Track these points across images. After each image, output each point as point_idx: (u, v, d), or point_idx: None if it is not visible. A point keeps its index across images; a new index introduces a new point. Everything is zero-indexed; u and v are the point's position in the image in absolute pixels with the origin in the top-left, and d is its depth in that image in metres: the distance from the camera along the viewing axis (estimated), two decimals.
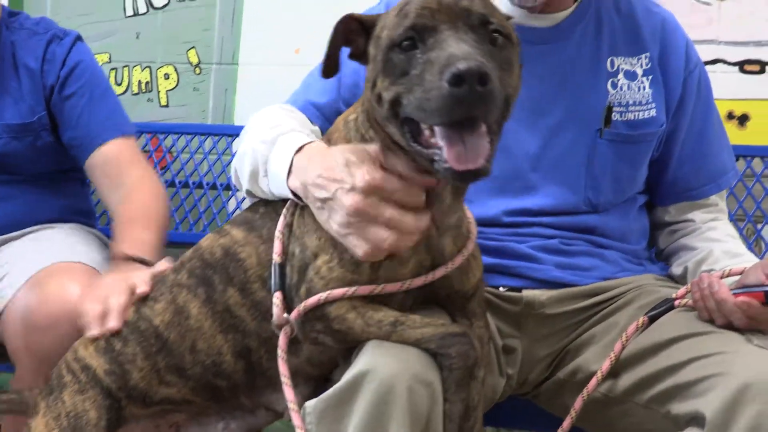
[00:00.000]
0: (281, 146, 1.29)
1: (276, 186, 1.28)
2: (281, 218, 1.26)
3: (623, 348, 1.35)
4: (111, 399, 1.33)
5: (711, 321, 1.32)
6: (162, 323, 1.32)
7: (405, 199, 1.13)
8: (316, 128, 1.51)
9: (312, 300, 1.18)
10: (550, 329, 1.51)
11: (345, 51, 1.57)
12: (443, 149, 1.03)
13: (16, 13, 2.01)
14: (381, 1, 1.66)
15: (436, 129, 1.05)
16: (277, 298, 1.21)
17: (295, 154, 1.26)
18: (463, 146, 1.02)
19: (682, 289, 1.41)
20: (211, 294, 1.30)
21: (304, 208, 1.24)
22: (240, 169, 1.41)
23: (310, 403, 1.15)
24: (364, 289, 1.18)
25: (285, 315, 1.20)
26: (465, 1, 1.08)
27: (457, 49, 1.00)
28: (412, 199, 1.14)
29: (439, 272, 1.23)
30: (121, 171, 1.86)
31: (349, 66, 1.55)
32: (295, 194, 1.25)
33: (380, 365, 1.11)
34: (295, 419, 1.17)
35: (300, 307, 1.19)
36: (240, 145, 1.44)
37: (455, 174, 1.02)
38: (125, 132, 1.93)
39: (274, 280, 1.23)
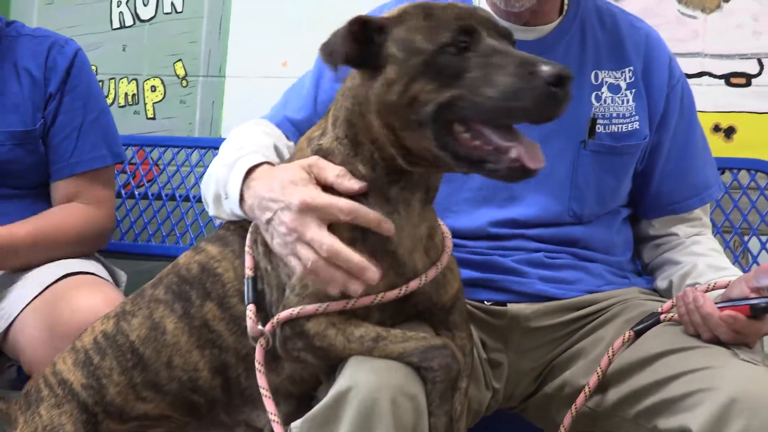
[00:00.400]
0: (238, 169, 1.31)
1: (235, 208, 1.30)
2: (249, 234, 1.27)
3: (610, 363, 1.35)
4: (87, 413, 1.32)
5: (697, 335, 1.32)
6: (138, 338, 1.32)
7: (336, 215, 1.15)
8: (291, 144, 1.53)
9: (284, 314, 1.18)
10: (535, 343, 1.51)
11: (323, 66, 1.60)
12: (511, 149, 1.09)
13: (11, 22, 2.01)
14: (373, 11, 1.66)
15: (488, 131, 1.09)
16: (250, 310, 1.22)
17: (244, 178, 1.28)
18: (528, 147, 1.09)
19: (668, 303, 1.41)
20: (188, 309, 1.30)
21: None
22: (205, 194, 1.43)
23: (296, 424, 1.15)
24: (337, 305, 1.17)
25: (259, 327, 1.20)
26: (485, 13, 1.14)
27: (526, 55, 1.06)
28: (343, 215, 1.15)
29: (413, 284, 1.22)
30: (76, 199, 1.91)
31: (327, 80, 1.57)
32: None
33: (362, 381, 1.11)
34: (277, 430, 1.16)
35: (273, 320, 1.19)
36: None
37: (523, 171, 1.09)
38: (104, 163, 1.95)
39: (246, 293, 1.23)
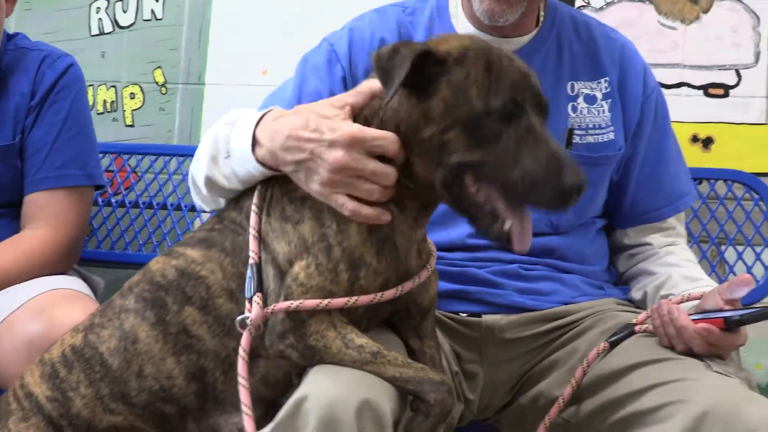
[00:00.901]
0: (242, 123, 1.29)
1: (240, 163, 1.27)
2: (253, 216, 1.25)
3: (584, 374, 1.35)
4: (53, 426, 1.29)
5: (671, 347, 1.32)
6: (107, 350, 1.29)
7: (387, 148, 1.16)
8: None
9: (282, 304, 1.16)
10: (510, 354, 1.51)
11: (313, 68, 1.60)
12: (510, 223, 1.13)
13: (14, 35, 1.98)
14: (345, 26, 1.66)
15: (496, 196, 1.14)
16: (258, 298, 1.19)
17: (256, 126, 1.26)
18: (523, 227, 1.13)
19: (642, 315, 1.41)
20: (163, 316, 1.27)
21: (270, 213, 1.25)
22: (198, 160, 1.38)
23: None
24: (338, 302, 1.16)
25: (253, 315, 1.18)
26: (535, 81, 1.16)
27: (555, 147, 1.10)
28: (393, 148, 1.16)
29: (408, 286, 1.24)
30: (35, 219, 1.86)
31: (309, 85, 1.56)
32: (264, 165, 1.25)
33: (320, 391, 1.10)
34: (248, 424, 1.15)
35: (269, 309, 1.17)
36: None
37: (506, 245, 1.14)
38: (73, 182, 1.90)
39: (252, 281, 1.21)
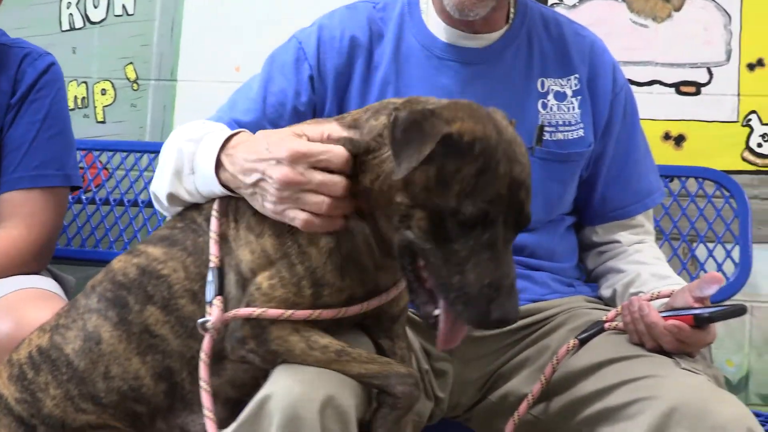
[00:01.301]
0: (208, 142, 1.28)
1: (204, 183, 1.27)
2: (213, 220, 1.24)
3: (554, 371, 1.35)
4: (25, 426, 1.28)
5: (641, 344, 1.33)
6: (73, 351, 1.27)
7: (332, 161, 1.14)
8: None
9: (245, 311, 1.15)
10: (480, 352, 1.50)
11: (280, 66, 1.59)
12: (441, 319, 1.09)
13: None
14: (315, 23, 1.65)
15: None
16: (219, 301, 1.18)
17: (221, 148, 1.26)
18: (453, 327, 1.09)
19: (612, 312, 1.42)
20: (126, 315, 1.25)
21: (238, 220, 1.24)
22: (160, 175, 1.38)
23: None
24: (301, 314, 1.16)
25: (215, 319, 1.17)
26: (525, 195, 1.10)
27: (507, 274, 1.06)
28: (338, 161, 1.14)
29: (374, 303, 1.22)
30: (9, 218, 1.83)
31: (275, 84, 1.55)
32: (227, 187, 1.25)
33: (283, 390, 1.10)
34: (210, 427, 1.15)
35: (230, 314, 1.16)
36: (160, 158, 1.41)
37: (432, 327, 1.11)
38: (49, 183, 1.87)
39: (213, 284, 1.20)
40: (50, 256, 1.92)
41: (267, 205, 1.18)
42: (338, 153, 1.14)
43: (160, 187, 1.37)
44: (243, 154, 1.22)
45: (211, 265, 1.21)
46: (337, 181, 1.14)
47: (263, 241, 1.20)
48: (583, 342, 1.38)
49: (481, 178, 1.05)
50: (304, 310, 1.16)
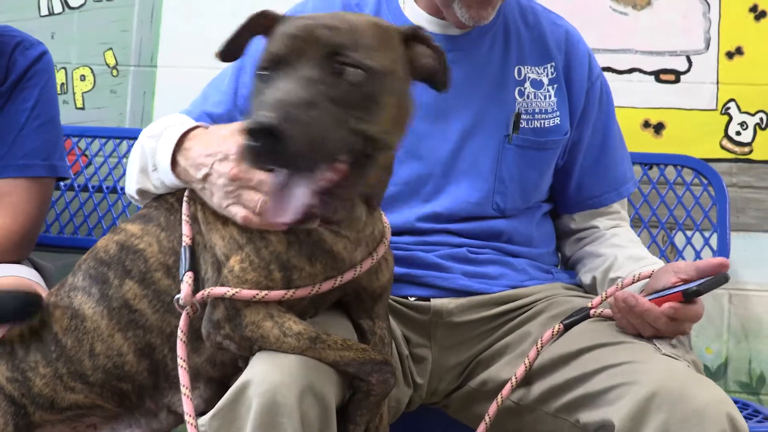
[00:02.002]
0: (167, 137, 1.30)
1: (165, 176, 1.30)
2: (184, 203, 1.26)
3: (538, 354, 1.36)
4: (15, 405, 1.29)
5: (636, 334, 1.33)
6: (60, 329, 1.29)
7: None
8: None
9: (218, 290, 1.15)
10: (459, 338, 1.51)
11: (251, 57, 1.57)
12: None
13: None
14: (288, 12, 1.64)
15: None
16: (188, 277, 1.19)
17: (177, 143, 1.28)
18: (279, 196, 1.03)
19: (597, 299, 1.42)
20: (106, 291, 1.27)
21: (204, 204, 1.25)
22: (130, 170, 1.40)
23: (203, 420, 1.13)
24: (276, 294, 1.16)
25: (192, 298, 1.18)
26: (323, 31, 1.06)
27: (273, 94, 1.00)
28: None
29: (347, 276, 1.22)
30: None
31: (247, 74, 1.55)
32: (183, 181, 1.28)
33: (262, 376, 1.10)
34: (186, 405, 1.15)
35: (205, 292, 1.17)
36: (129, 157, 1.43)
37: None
38: (35, 173, 1.85)
39: (183, 261, 1.21)
40: (32, 246, 1.90)
41: (214, 199, 1.20)
42: None
43: (130, 184, 1.40)
44: (196, 149, 1.25)
45: (184, 243, 1.23)
46: (276, 182, 1.11)
47: (230, 228, 1.21)
48: (567, 327, 1.38)
49: (274, 35, 1.10)
50: (278, 291, 1.16)
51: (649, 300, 1.29)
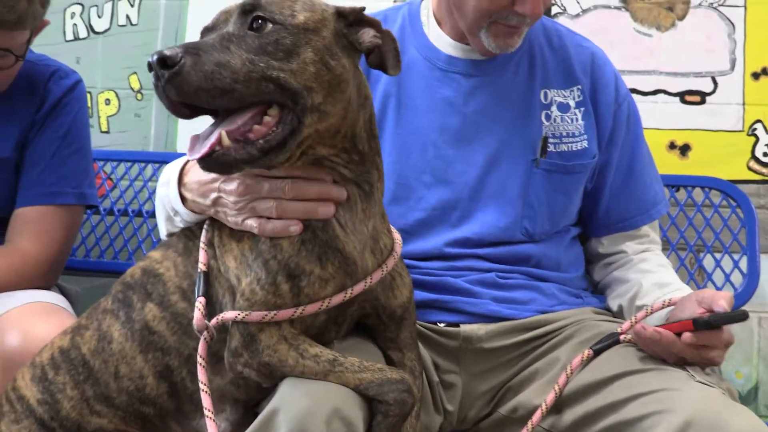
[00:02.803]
0: (172, 179, 1.35)
1: (186, 217, 1.34)
2: (203, 232, 1.29)
3: (568, 380, 1.34)
4: (45, 429, 1.30)
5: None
6: (89, 351, 1.31)
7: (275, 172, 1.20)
8: None
9: (230, 314, 1.17)
10: (489, 364, 1.50)
11: None
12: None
13: None
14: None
15: None
16: (199, 302, 1.21)
17: (178, 181, 1.33)
18: (198, 136, 1.11)
19: (626, 324, 1.40)
20: (130, 314, 1.29)
21: (222, 226, 1.27)
22: (159, 222, 1.43)
23: None
24: (285, 313, 1.16)
25: (205, 321, 1.19)
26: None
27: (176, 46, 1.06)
28: (288, 168, 1.19)
29: (358, 288, 1.22)
30: (21, 233, 1.82)
31: None
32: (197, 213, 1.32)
33: (292, 403, 1.10)
34: (211, 428, 1.15)
35: (219, 317, 1.18)
36: None
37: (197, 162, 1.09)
38: (64, 201, 1.87)
39: (198, 287, 1.23)
40: (59, 273, 1.91)
41: (229, 219, 1.23)
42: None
43: (162, 232, 1.43)
44: (195, 179, 1.29)
45: (199, 269, 1.25)
46: (284, 184, 1.19)
47: (242, 245, 1.23)
48: (597, 353, 1.37)
49: None
50: (288, 309, 1.17)
51: (661, 327, 1.28)
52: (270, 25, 1.10)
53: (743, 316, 1.24)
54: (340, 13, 1.20)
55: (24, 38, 1.71)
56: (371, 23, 1.22)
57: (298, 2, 1.15)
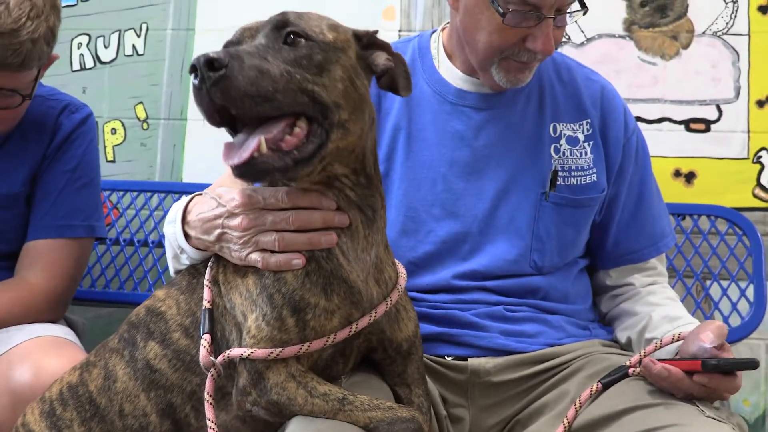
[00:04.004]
0: (177, 218, 1.35)
1: (192, 255, 1.34)
2: (208, 269, 1.29)
3: (577, 414, 1.33)
4: None
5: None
6: (95, 388, 1.31)
7: (279, 204, 1.20)
8: None
9: (236, 351, 1.17)
10: (497, 398, 1.49)
11: None
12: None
13: None
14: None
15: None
16: (204, 340, 1.21)
17: (181, 219, 1.34)
18: (233, 144, 1.09)
19: (635, 357, 1.39)
20: (134, 353, 1.30)
21: (226, 263, 1.27)
22: (168, 261, 1.43)
23: None
24: (291, 350, 1.16)
25: (211, 358, 1.19)
26: (272, 17, 1.15)
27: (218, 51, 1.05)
28: (286, 199, 1.20)
29: (363, 322, 1.22)
30: (30, 266, 1.82)
31: None
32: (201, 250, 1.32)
33: None
34: None
35: (225, 354, 1.18)
36: None
37: (231, 169, 1.08)
38: (74, 234, 1.88)
39: (202, 324, 1.23)
40: (68, 306, 1.91)
41: (234, 254, 1.23)
42: (283, 192, 1.20)
43: (172, 270, 1.43)
44: (197, 217, 1.30)
45: (204, 307, 1.25)
46: (287, 215, 1.19)
47: (247, 281, 1.23)
48: (606, 386, 1.36)
49: None
50: (293, 346, 1.16)
51: (669, 362, 1.27)
52: (303, 41, 1.12)
53: (753, 365, 1.23)
54: (357, 36, 1.22)
55: (30, 77, 1.72)
56: (383, 46, 1.25)
57: (324, 22, 1.17)
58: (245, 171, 1.07)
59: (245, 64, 1.03)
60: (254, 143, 1.06)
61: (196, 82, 1.03)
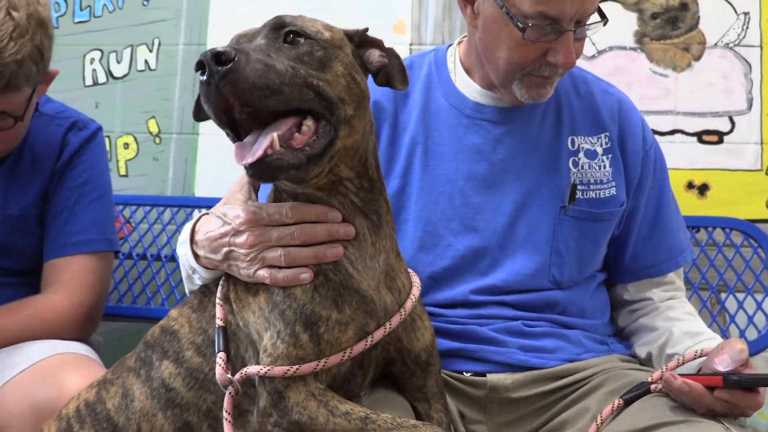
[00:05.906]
0: (187, 239, 1.37)
1: (204, 274, 1.35)
2: (219, 287, 1.30)
3: (598, 431, 1.32)
4: None
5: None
6: (113, 407, 1.31)
7: (283, 220, 1.21)
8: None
9: (253, 369, 1.17)
10: (516, 414, 1.48)
11: None
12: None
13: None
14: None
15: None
16: (220, 358, 1.21)
17: (190, 240, 1.35)
18: (245, 144, 1.09)
19: (657, 373, 1.38)
20: (150, 372, 1.30)
21: (237, 281, 1.28)
22: (184, 280, 1.43)
23: None
24: (308, 367, 1.15)
25: (228, 375, 1.19)
26: (268, 21, 1.16)
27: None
28: (290, 214, 1.20)
29: (378, 335, 1.22)
30: (51, 284, 1.81)
31: None
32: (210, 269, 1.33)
33: None
34: None
35: (243, 372, 1.18)
36: None
37: (245, 169, 1.08)
38: (92, 248, 1.86)
39: (217, 342, 1.23)
40: (97, 323, 1.89)
41: (242, 272, 1.24)
42: (288, 209, 1.21)
43: (186, 289, 1.44)
44: (204, 236, 1.31)
45: (217, 325, 1.25)
46: (292, 230, 1.20)
47: (258, 299, 1.23)
48: (628, 402, 1.35)
49: None
50: (310, 362, 1.16)
51: (690, 377, 1.26)
52: (302, 39, 1.13)
53: None
54: (348, 35, 1.24)
55: (21, 98, 1.68)
56: (375, 43, 1.26)
57: (318, 23, 1.19)
58: (259, 169, 1.07)
59: (252, 58, 1.04)
60: (267, 141, 1.06)
61: (204, 78, 1.03)
